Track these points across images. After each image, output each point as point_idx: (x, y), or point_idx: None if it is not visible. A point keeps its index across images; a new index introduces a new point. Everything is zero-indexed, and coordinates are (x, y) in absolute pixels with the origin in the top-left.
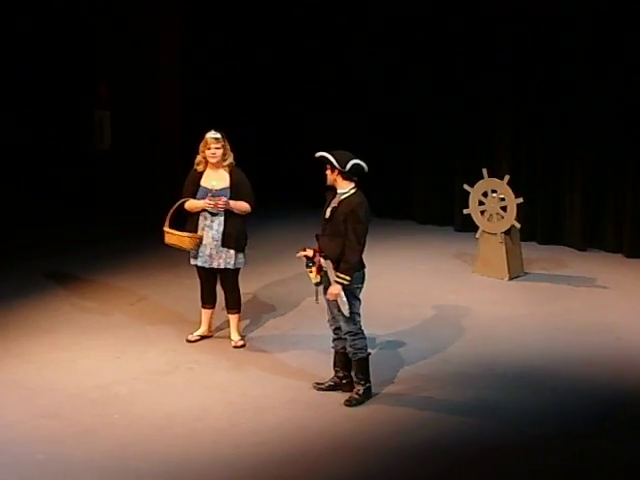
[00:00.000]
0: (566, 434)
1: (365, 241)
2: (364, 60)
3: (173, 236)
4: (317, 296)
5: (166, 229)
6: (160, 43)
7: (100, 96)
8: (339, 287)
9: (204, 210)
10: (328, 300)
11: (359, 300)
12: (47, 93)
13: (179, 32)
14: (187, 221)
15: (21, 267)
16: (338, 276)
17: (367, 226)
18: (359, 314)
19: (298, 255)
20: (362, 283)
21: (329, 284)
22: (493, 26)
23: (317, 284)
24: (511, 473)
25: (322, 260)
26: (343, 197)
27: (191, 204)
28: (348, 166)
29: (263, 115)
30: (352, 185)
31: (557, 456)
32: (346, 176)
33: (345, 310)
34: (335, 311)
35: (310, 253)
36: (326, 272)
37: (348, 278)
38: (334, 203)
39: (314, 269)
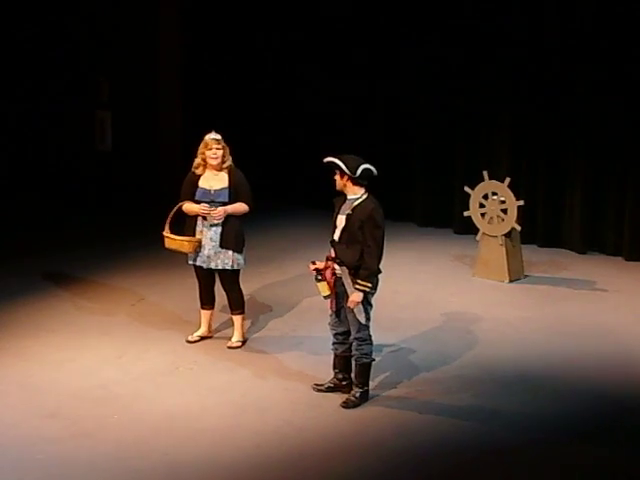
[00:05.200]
0: (566, 438)
1: (384, 246)
2: (365, 61)
3: (173, 241)
4: (332, 304)
5: (165, 234)
6: (161, 43)
7: (101, 97)
8: (361, 295)
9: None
10: (343, 307)
11: (371, 306)
12: (48, 94)
13: (180, 32)
14: (186, 223)
15: (21, 267)
16: (359, 283)
17: (384, 230)
18: (369, 319)
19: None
20: (376, 289)
21: (342, 290)
22: (494, 27)
23: (326, 297)
24: (511, 476)
25: (336, 266)
26: (356, 203)
27: (188, 207)
28: (359, 171)
29: (264, 116)
30: (363, 190)
31: (557, 460)
32: (356, 181)
33: (362, 318)
34: (350, 317)
35: (321, 265)
36: (340, 278)
37: (370, 285)
38: (347, 210)
39: (325, 283)
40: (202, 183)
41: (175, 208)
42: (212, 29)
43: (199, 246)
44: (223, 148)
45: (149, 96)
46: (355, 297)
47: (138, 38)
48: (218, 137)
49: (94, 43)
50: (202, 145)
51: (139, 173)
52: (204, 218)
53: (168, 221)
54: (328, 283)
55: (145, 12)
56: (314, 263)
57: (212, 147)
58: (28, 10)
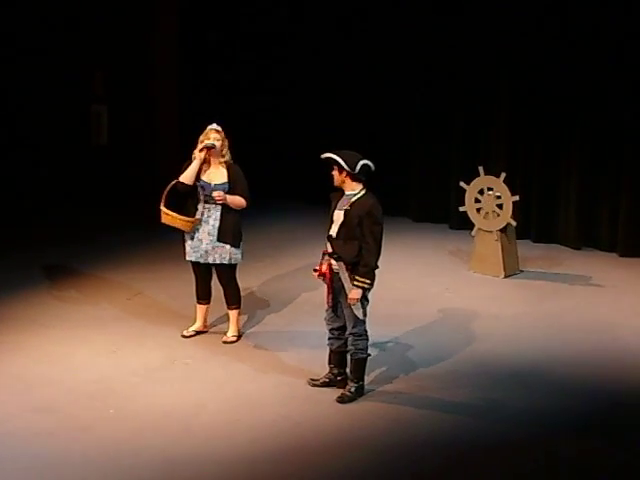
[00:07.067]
0: (562, 432)
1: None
2: (363, 57)
3: (167, 216)
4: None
5: (163, 209)
6: (157, 36)
7: (97, 90)
8: (360, 291)
9: (205, 202)
10: (340, 302)
11: (368, 301)
12: (43, 87)
13: (177, 25)
14: (185, 205)
15: (17, 261)
16: (358, 280)
17: (383, 226)
18: (366, 315)
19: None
20: (373, 284)
21: (340, 285)
22: (490, 24)
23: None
24: (506, 471)
25: (333, 262)
26: (354, 199)
27: (187, 173)
28: (358, 167)
29: (261, 111)
30: (361, 186)
31: (553, 455)
32: (355, 177)
33: (360, 314)
34: (347, 312)
35: (324, 267)
36: (337, 274)
37: (368, 281)
38: (346, 205)
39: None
40: (202, 176)
41: (172, 183)
42: (209, 22)
43: (193, 226)
44: (222, 139)
45: (145, 89)
46: (354, 294)
47: (134, 31)
48: (218, 128)
49: (90, 36)
50: (202, 134)
51: (135, 167)
52: (208, 209)
53: (164, 195)
54: (325, 276)
55: (141, 5)
56: (316, 270)
57: (210, 136)
58: (24, 3)
